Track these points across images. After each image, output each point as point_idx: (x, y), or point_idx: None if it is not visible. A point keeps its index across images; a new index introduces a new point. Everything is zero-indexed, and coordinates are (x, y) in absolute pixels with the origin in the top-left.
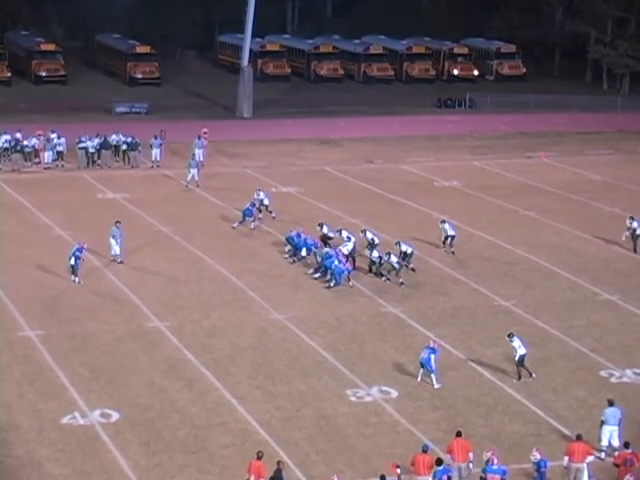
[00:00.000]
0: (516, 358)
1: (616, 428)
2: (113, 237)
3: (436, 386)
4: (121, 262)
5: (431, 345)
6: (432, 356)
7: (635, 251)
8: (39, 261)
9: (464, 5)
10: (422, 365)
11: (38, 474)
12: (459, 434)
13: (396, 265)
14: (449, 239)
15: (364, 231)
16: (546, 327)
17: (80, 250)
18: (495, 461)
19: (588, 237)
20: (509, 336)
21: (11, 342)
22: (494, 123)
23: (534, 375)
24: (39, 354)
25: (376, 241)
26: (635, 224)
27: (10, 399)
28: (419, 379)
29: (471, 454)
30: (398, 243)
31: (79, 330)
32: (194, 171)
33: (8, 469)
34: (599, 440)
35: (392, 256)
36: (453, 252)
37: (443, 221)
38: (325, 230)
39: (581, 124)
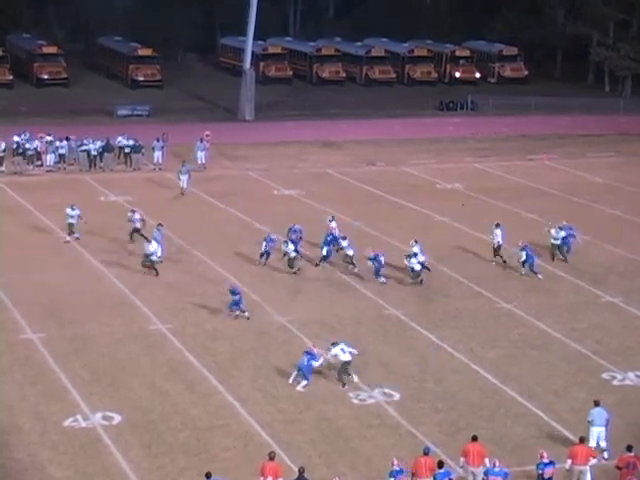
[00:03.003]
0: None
1: (603, 429)
2: (154, 239)
3: (300, 388)
4: (161, 261)
5: (311, 350)
6: (313, 362)
7: (553, 259)
8: (41, 263)
9: (465, 7)
10: (299, 369)
11: (40, 477)
12: (475, 438)
13: (292, 254)
14: (499, 248)
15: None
16: (548, 329)
17: None
18: (497, 464)
19: (589, 239)
20: (332, 344)
21: (13, 344)
22: (496, 125)
23: (346, 386)
24: (41, 356)
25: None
26: (562, 234)
27: (12, 401)
28: (291, 380)
29: (487, 460)
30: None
31: (80, 332)
32: (184, 178)
33: (10, 472)
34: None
35: (289, 244)
36: (504, 261)
37: (497, 225)
38: None
39: (583, 126)
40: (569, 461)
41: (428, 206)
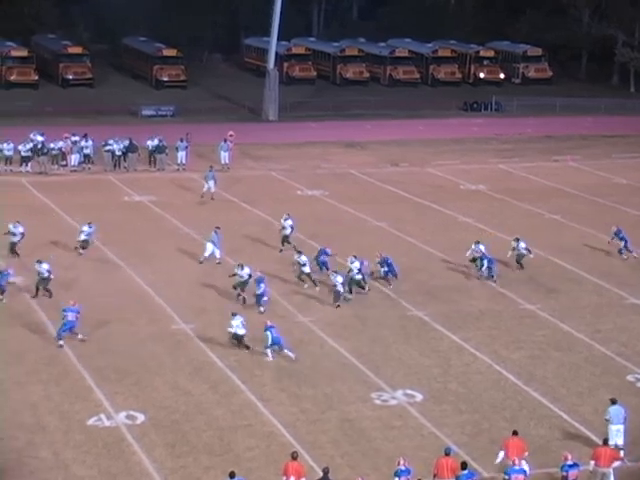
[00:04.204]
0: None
1: (621, 427)
2: (211, 241)
3: (293, 356)
4: (219, 263)
5: (269, 324)
6: (273, 330)
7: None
8: (65, 263)
9: (490, 8)
10: (274, 343)
11: (64, 476)
12: (515, 433)
13: (245, 277)
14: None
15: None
16: (572, 331)
17: (6, 275)
18: (517, 462)
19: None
20: (233, 315)
21: (37, 344)
22: (520, 126)
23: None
24: (65, 356)
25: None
26: (522, 244)
27: (37, 400)
28: (270, 358)
29: (526, 453)
30: (477, 243)
31: (105, 332)
32: (211, 183)
33: (34, 470)
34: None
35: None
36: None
37: (477, 242)
38: None
39: (607, 127)
40: (592, 463)
41: (452, 207)
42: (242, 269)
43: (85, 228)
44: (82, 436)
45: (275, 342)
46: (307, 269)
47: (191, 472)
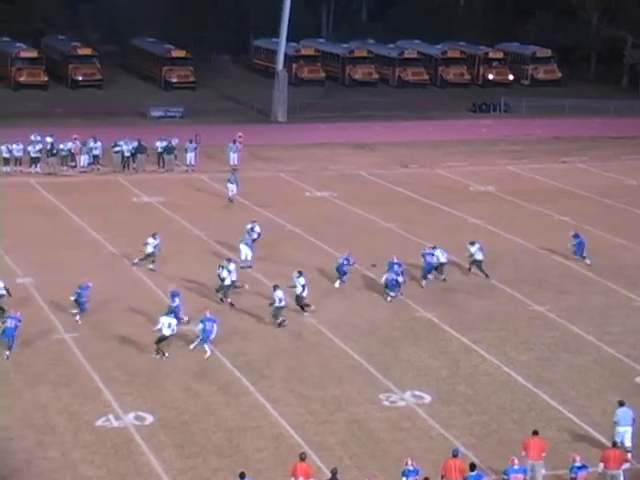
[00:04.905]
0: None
1: (629, 429)
2: (245, 244)
3: (208, 354)
4: (249, 267)
5: (207, 316)
6: (214, 326)
7: (470, 270)
8: (74, 264)
9: (499, 9)
10: (204, 339)
11: (73, 476)
12: (536, 433)
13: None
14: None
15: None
16: (581, 333)
17: (86, 288)
18: (516, 462)
19: (623, 242)
20: (167, 314)
21: (47, 345)
22: (529, 128)
23: (166, 355)
24: (74, 357)
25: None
26: (474, 249)
27: (46, 401)
28: (192, 347)
29: (544, 454)
30: (434, 248)
31: (114, 333)
32: (232, 187)
33: (44, 471)
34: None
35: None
36: (444, 279)
37: (434, 247)
38: None
39: (617, 129)
40: (601, 465)
41: (461, 208)
42: (222, 270)
43: (150, 240)
44: (91, 436)
45: (205, 335)
46: (228, 282)
47: (200, 473)
